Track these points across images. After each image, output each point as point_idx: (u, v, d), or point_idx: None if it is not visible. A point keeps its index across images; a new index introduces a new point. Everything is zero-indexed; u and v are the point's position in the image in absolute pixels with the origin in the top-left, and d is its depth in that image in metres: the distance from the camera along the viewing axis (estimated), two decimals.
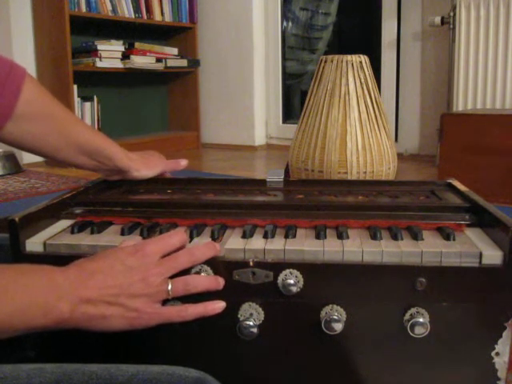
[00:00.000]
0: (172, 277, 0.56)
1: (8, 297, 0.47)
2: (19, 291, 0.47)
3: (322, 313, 0.58)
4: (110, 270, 0.53)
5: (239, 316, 0.59)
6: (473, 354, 0.58)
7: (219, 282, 0.57)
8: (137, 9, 3.66)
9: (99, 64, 3.39)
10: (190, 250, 0.57)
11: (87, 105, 3.48)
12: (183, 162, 0.89)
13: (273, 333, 0.59)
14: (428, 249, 0.58)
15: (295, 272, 0.57)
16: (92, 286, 0.51)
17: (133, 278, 0.53)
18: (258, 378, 0.62)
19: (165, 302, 0.56)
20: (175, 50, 3.98)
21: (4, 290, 0.47)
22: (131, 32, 3.80)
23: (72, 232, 0.65)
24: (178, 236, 0.58)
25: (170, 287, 0.54)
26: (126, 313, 0.53)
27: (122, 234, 0.65)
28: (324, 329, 0.57)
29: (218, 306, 0.57)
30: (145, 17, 3.71)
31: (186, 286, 0.55)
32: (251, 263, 0.58)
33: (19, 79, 0.72)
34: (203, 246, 0.58)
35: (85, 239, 0.63)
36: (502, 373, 0.58)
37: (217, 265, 0.58)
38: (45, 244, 0.62)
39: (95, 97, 3.52)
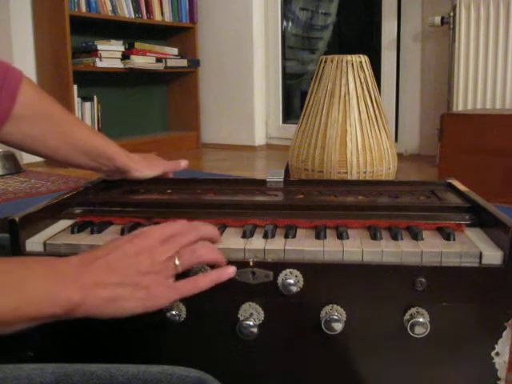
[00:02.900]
0: None
1: (14, 288, 0.46)
2: (25, 282, 0.46)
3: (322, 313, 0.58)
4: (114, 254, 0.51)
5: (239, 316, 0.59)
6: (473, 354, 0.58)
7: (223, 261, 0.57)
8: (137, 9, 3.66)
9: (99, 64, 3.38)
10: (195, 225, 0.57)
11: (87, 105, 3.48)
12: (183, 163, 0.89)
13: (273, 333, 0.59)
14: (428, 249, 0.58)
15: (295, 272, 0.57)
16: (97, 270, 0.50)
17: (138, 257, 0.52)
18: (258, 378, 0.62)
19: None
20: (175, 50, 3.98)
21: (9, 282, 0.46)
22: (131, 32, 3.79)
23: (72, 232, 0.65)
24: (177, 224, 0.57)
25: (177, 262, 0.53)
26: (137, 292, 0.50)
27: (122, 234, 0.65)
28: (324, 329, 0.57)
29: (232, 270, 0.56)
30: (145, 17, 3.71)
31: (193, 254, 0.54)
32: (251, 263, 0.58)
33: (16, 82, 0.72)
34: (204, 224, 0.58)
35: (85, 239, 0.63)
36: (501, 373, 0.58)
37: (217, 264, 0.58)
38: (45, 244, 0.62)
39: (95, 97, 3.51)
